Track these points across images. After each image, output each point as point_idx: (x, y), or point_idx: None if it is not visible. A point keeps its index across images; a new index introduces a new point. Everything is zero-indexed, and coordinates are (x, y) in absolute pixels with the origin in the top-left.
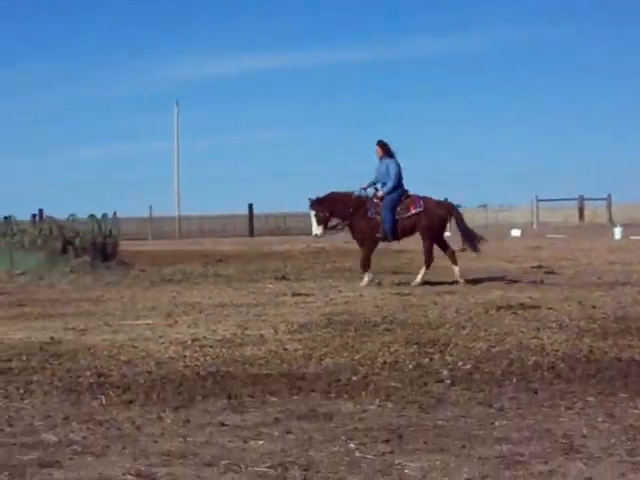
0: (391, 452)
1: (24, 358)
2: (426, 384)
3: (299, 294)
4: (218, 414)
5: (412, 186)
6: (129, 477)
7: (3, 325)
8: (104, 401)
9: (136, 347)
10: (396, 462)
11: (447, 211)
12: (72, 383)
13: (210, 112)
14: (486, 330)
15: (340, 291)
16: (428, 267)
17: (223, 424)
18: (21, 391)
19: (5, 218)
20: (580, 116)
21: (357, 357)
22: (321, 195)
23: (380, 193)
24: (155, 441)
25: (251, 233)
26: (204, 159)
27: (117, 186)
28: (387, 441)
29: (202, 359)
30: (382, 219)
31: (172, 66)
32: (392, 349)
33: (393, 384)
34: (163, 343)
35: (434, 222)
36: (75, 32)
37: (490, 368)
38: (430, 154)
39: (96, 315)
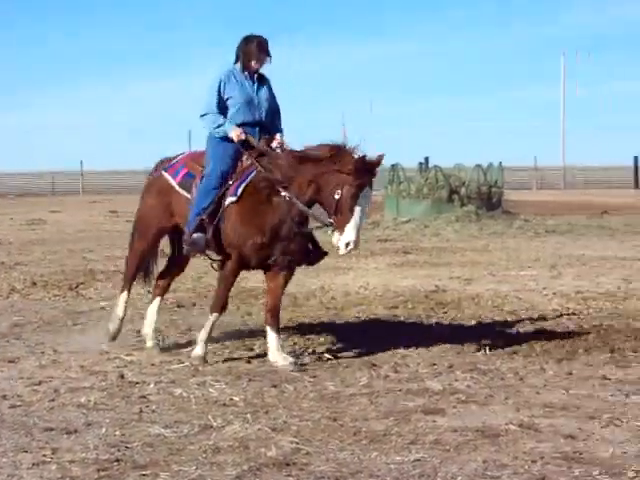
0: None
1: (410, 306)
2: None
3: None
4: (600, 368)
5: None
6: (511, 427)
7: (389, 272)
8: (487, 351)
9: (520, 298)
10: None
11: None
12: (456, 332)
13: (597, 59)
14: None
15: None
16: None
17: (605, 378)
18: (407, 339)
19: (392, 166)
20: None
21: None
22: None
23: (278, 139)
24: (537, 392)
25: (636, 185)
26: (589, 108)
27: (503, 135)
28: None
29: (585, 312)
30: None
31: (563, 12)
32: None
33: None
34: (546, 295)
35: None
36: None
37: None
38: None
39: (481, 265)
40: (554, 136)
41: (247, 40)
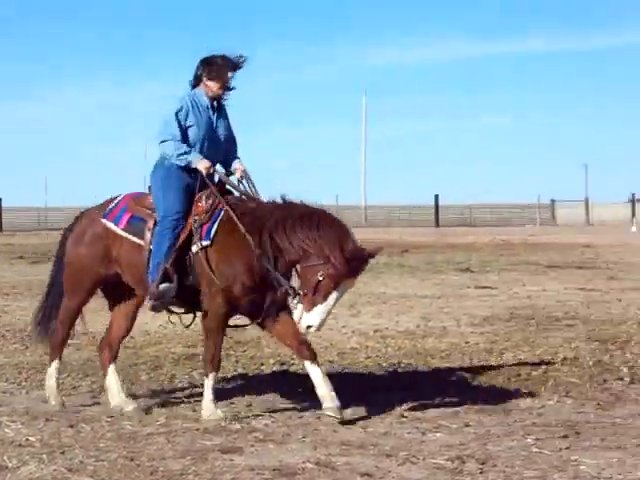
0: (567, 448)
1: None
2: (605, 381)
3: (483, 287)
4: (398, 406)
5: None
6: (308, 465)
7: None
8: (286, 389)
9: (319, 336)
10: (572, 458)
11: None
12: (255, 371)
13: (396, 99)
14: None
15: (524, 285)
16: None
17: (402, 416)
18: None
19: None
20: None
21: (538, 352)
22: None
23: (239, 170)
24: (335, 430)
25: (437, 224)
26: (391, 147)
27: (303, 173)
28: (564, 437)
29: (384, 350)
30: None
31: (361, 52)
32: (573, 345)
33: (573, 380)
34: (345, 333)
35: None
36: None
37: None
38: None
39: None
40: (355, 175)
41: (208, 61)
